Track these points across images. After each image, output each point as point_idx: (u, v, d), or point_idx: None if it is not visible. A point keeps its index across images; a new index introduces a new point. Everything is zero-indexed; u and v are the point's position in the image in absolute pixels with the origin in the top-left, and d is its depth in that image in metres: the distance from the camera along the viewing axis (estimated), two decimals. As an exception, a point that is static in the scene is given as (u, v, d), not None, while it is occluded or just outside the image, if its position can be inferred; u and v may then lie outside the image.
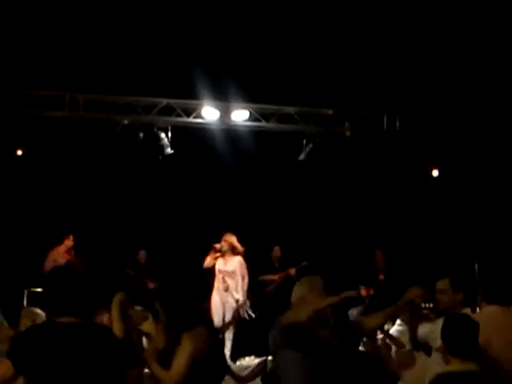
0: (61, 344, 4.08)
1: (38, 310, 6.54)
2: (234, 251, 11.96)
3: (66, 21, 11.84)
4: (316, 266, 12.73)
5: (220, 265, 11.94)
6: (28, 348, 4.07)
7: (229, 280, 11.86)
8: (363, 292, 12.06)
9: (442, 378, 4.79)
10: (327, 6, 11.87)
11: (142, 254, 13.96)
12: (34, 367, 4.02)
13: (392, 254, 13.56)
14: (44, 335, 4.15)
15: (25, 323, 6.02)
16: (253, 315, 11.98)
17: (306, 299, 5.47)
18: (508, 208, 14.02)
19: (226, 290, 11.85)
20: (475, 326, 4.92)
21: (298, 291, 5.64)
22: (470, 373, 4.76)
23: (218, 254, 11.95)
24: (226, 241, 11.93)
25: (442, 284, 5.92)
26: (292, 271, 13.21)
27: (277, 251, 13.79)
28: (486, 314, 5.65)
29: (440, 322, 5.23)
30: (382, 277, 13.11)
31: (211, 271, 12.02)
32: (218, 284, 11.89)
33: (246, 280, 12.00)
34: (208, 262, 12.01)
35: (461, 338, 4.88)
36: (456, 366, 4.80)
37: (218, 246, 11.93)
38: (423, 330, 5.82)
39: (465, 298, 5.89)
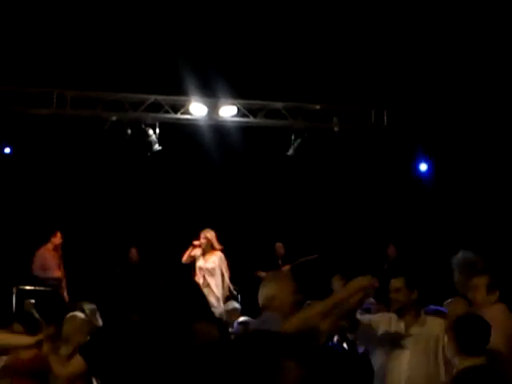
0: (135, 341, 4.11)
1: (81, 315, 6.50)
2: (213, 247, 11.95)
3: (53, 17, 11.82)
4: (325, 259, 12.79)
5: (200, 262, 11.88)
6: (103, 345, 4.13)
7: (209, 278, 11.81)
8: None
9: (467, 372, 5.01)
10: (315, 3, 11.89)
11: (134, 251, 13.93)
12: (108, 364, 4.07)
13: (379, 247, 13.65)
14: (119, 333, 4.21)
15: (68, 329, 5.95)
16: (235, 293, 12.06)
17: (276, 299, 5.07)
18: (502, 199, 14.04)
19: (206, 286, 11.73)
20: (487, 326, 5.13)
21: (265, 291, 5.15)
22: (484, 366, 5.06)
23: (198, 250, 11.91)
24: (205, 237, 11.90)
25: (396, 282, 5.86)
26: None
27: (280, 248, 13.82)
28: None
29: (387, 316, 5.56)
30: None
31: (194, 269, 12.00)
32: (197, 281, 11.84)
33: (227, 276, 11.97)
34: (185, 258, 11.97)
35: (476, 337, 5.10)
36: (473, 360, 5.04)
37: (196, 242, 11.90)
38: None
39: (419, 296, 5.89)
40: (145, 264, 13.74)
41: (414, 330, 5.80)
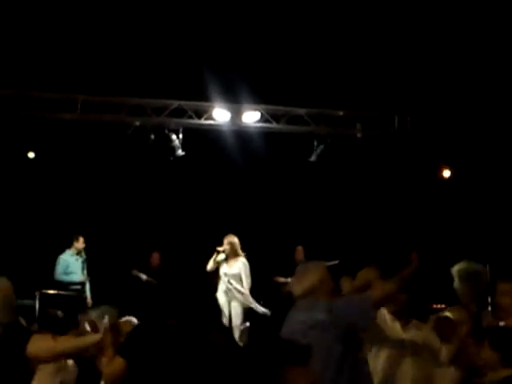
0: (172, 343, 4.34)
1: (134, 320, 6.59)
2: (236, 253, 12.00)
3: (78, 24, 11.88)
4: (347, 264, 12.73)
5: (225, 269, 11.92)
6: (141, 346, 4.34)
7: (234, 282, 11.90)
8: None
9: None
10: (338, 8, 11.87)
11: (156, 255, 13.96)
12: (147, 364, 4.25)
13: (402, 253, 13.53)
14: (156, 334, 4.42)
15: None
16: (266, 311, 12.04)
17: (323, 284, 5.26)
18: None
19: (230, 292, 11.87)
20: None
21: (311, 278, 5.29)
22: None
23: (222, 255, 11.95)
24: (228, 243, 11.94)
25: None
26: None
27: (300, 252, 13.78)
28: None
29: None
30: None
31: (216, 274, 12.02)
32: (222, 285, 11.89)
33: (249, 280, 12.01)
34: (211, 265, 11.99)
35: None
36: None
37: (220, 248, 11.94)
38: None
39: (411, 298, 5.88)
40: (165, 269, 13.75)
41: (411, 332, 5.79)
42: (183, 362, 4.23)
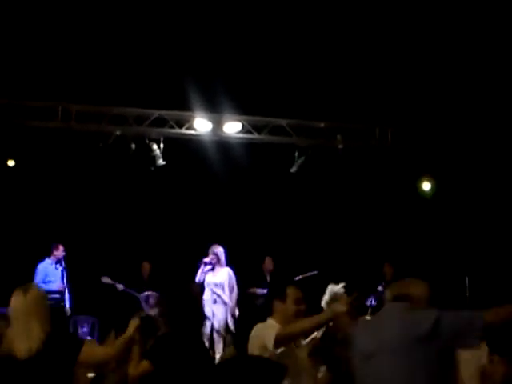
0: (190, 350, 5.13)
1: None
2: (221, 262, 12.06)
3: (58, 32, 11.85)
4: (325, 275, 12.75)
5: (209, 277, 12.04)
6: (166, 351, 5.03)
7: (218, 291, 11.96)
8: None
9: None
10: (319, 19, 11.91)
11: (146, 265, 13.92)
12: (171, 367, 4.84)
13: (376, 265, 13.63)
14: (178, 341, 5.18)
15: None
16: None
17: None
18: (500, 221, 14.04)
19: (215, 302, 11.96)
20: None
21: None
22: None
23: (209, 267, 12.03)
24: (213, 253, 12.07)
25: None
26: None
27: (269, 263, 13.79)
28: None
29: None
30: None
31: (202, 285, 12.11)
32: (206, 296, 11.95)
33: (235, 291, 12.11)
34: (199, 277, 12.09)
35: None
36: None
37: (207, 259, 12.02)
38: None
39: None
40: (155, 279, 13.73)
41: None
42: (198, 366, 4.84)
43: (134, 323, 5.07)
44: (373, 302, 12.56)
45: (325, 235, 15.03)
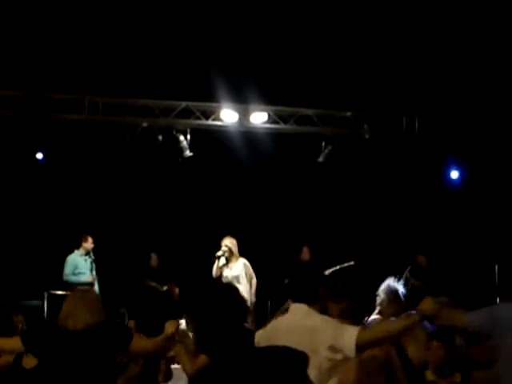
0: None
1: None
2: (236, 254, 11.83)
3: (85, 25, 11.91)
4: (362, 266, 12.72)
5: (226, 272, 11.77)
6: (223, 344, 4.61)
7: (237, 284, 11.82)
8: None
9: None
10: (345, 9, 11.88)
11: (154, 257, 14.00)
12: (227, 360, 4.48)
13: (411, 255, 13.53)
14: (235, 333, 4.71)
15: None
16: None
17: None
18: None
19: None
20: None
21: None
22: None
23: (223, 261, 11.87)
24: (225, 246, 11.76)
25: None
26: None
27: (306, 253, 13.72)
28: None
29: None
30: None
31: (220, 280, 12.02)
32: None
33: (254, 281, 11.94)
34: (215, 272, 11.86)
35: None
36: None
37: (219, 253, 11.75)
38: None
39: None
40: (164, 270, 13.81)
41: None
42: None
43: (173, 324, 5.09)
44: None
45: (353, 225, 14.98)
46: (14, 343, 5.14)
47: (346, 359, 4.61)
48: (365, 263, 13.48)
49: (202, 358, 4.61)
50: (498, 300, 12.33)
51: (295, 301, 4.88)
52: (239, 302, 4.81)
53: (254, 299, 11.96)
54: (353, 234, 14.83)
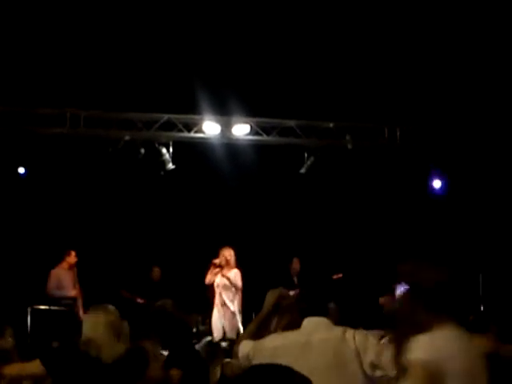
0: None
1: None
2: (230, 264, 12.17)
3: (65, 38, 11.88)
4: (351, 277, 12.74)
5: (218, 279, 12.09)
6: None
7: (224, 293, 12.03)
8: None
9: None
10: (326, 20, 11.91)
11: (157, 270, 13.94)
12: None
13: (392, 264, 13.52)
14: None
15: None
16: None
17: None
18: None
19: (223, 304, 12.01)
20: None
21: None
22: None
23: (218, 270, 12.07)
24: (223, 255, 12.14)
25: None
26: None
27: (296, 264, 13.75)
28: None
29: None
30: None
31: (213, 287, 12.17)
32: (217, 300, 12.05)
33: (239, 292, 12.11)
34: (209, 278, 12.18)
35: None
36: None
37: (217, 261, 12.07)
38: None
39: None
40: (165, 283, 13.74)
41: None
42: None
43: None
44: None
45: (337, 235, 14.98)
46: (35, 367, 5.06)
47: None
48: (351, 272, 13.54)
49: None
50: (481, 308, 12.41)
51: (311, 315, 4.73)
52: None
53: (239, 308, 12.09)
54: (337, 245, 14.83)
